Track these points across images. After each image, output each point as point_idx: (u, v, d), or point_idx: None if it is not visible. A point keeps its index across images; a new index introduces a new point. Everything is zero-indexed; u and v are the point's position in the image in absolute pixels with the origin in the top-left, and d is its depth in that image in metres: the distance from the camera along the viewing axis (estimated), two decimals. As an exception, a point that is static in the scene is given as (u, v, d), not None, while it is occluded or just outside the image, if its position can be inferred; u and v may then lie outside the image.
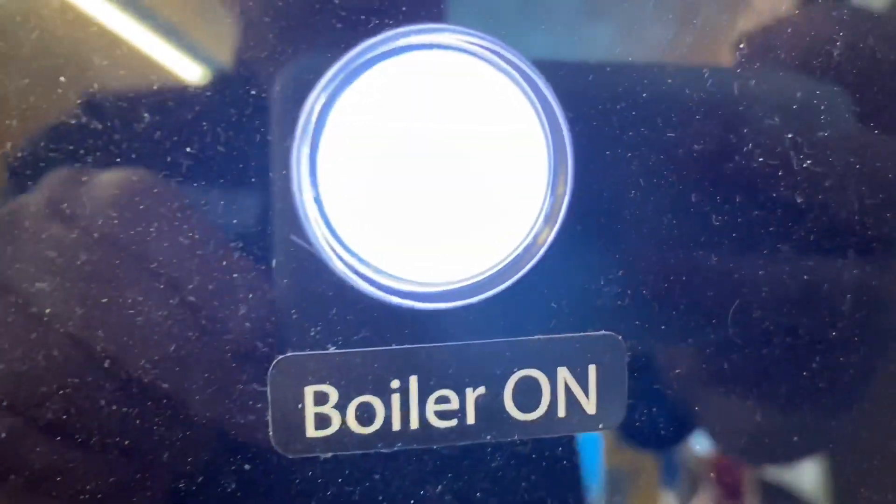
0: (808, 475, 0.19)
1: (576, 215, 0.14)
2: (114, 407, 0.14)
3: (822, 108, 0.15)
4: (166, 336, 0.14)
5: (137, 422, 0.14)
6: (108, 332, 0.14)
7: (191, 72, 0.14)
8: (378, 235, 0.13)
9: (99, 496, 0.14)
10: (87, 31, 0.13)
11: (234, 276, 0.14)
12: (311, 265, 0.14)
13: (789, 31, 0.15)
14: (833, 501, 0.18)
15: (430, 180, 0.13)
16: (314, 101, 0.13)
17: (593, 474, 0.17)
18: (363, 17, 0.14)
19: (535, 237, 0.13)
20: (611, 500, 0.17)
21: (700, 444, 0.18)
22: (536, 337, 0.15)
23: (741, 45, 0.15)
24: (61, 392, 0.14)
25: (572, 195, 0.13)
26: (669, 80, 0.15)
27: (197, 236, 0.14)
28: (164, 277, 0.14)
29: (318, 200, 0.13)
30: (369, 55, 0.13)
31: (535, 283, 0.15)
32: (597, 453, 0.17)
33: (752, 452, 0.18)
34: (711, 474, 0.18)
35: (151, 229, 0.14)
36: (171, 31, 0.14)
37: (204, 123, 0.14)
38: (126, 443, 0.15)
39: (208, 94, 0.14)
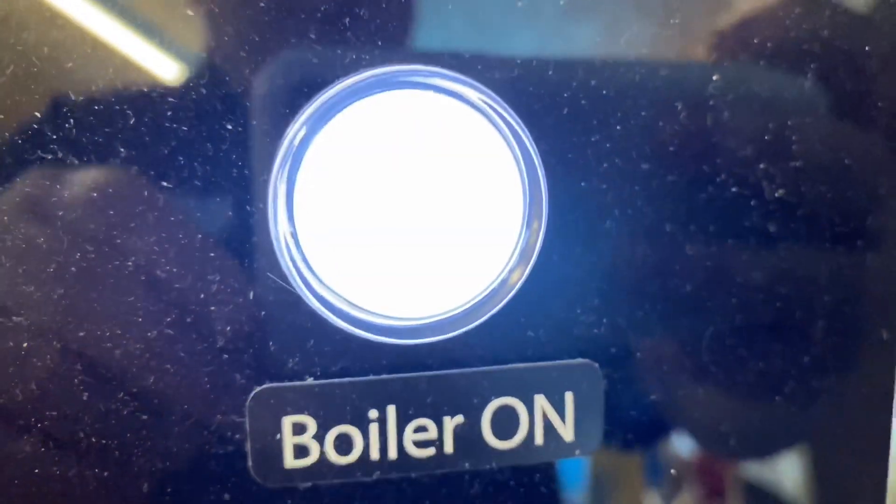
0: (788, 476, 0.19)
1: (551, 247, 0.14)
2: (93, 439, 0.14)
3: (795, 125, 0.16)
4: (145, 368, 0.14)
5: (117, 453, 0.15)
6: (85, 364, 0.14)
7: (160, 96, 0.14)
8: (354, 270, 0.13)
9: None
10: (63, 32, 0.13)
11: (212, 308, 0.14)
12: (289, 297, 0.14)
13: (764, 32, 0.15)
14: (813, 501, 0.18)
15: (408, 216, 0.13)
16: (292, 137, 0.13)
17: (577, 477, 0.17)
18: (339, 52, 0.14)
19: (511, 271, 0.13)
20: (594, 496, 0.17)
21: (683, 446, 0.18)
22: (513, 366, 0.15)
23: (714, 77, 0.15)
24: (39, 422, 0.14)
25: (547, 229, 0.14)
26: (643, 113, 0.15)
27: (174, 270, 0.14)
28: (140, 309, 0.14)
29: (294, 235, 0.13)
30: (346, 93, 0.13)
31: (512, 313, 0.15)
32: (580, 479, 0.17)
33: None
34: (694, 476, 0.18)
35: (128, 262, 0.14)
36: (149, 31, 0.14)
37: (180, 158, 0.14)
38: (105, 473, 0.15)
39: (185, 128, 0.14)
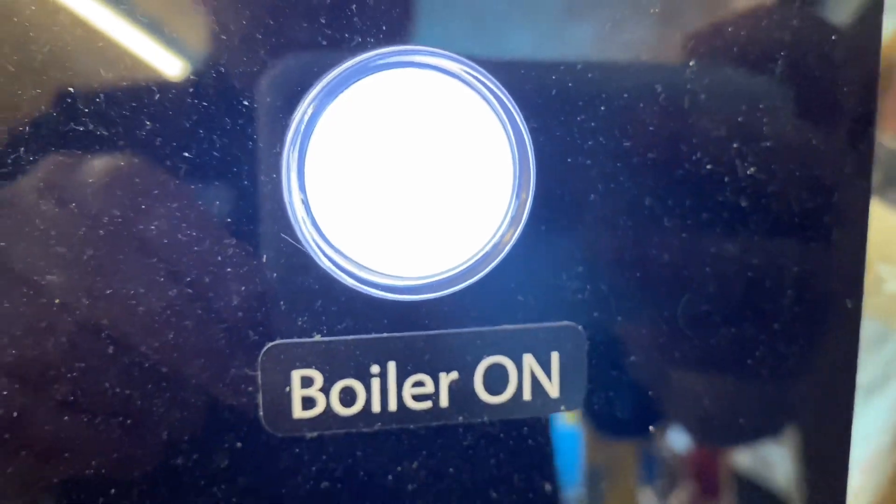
0: (780, 468, 0.20)
1: (538, 217, 0.16)
2: (117, 389, 0.16)
3: (764, 110, 0.17)
4: (166, 324, 0.16)
5: (139, 402, 0.16)
6: (111, 321, 0.16)
7: (183, 77, 0.15)
8: (360, 233, 0.14)
9: (102, 470, 0.16)
10: (72, 27, 0.15)
11: (228, 270, 0.16)
12: (299, 260, 0.16)
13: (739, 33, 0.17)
14: (804, 493, 0.20)
15: (409, 185, 0.14)
16: (303, 112, 0.14)
17: (572, 471, 0.18)
18: (346, 35, 0.15)
19: (502, 236, 0.15)
20: (590, 497, 0.19)
21: (678, 441, 0.19)
22: (504, 327, 0.17)
23: (690, 63, 0.17)
24: (68, 374, 0.15)
25: (534, 199, 0.15)
26: (625, 95, 0.16)
27: (195, 234, 0.15)
28: (161, 270, 0.15)
29: (305, 202, 0.14)
30: (350, 72, 0.14)
31: (502, 277, 0.16)
32: (576, 451, 0.18)
33: (706, 431, 0.19)
34: (689, 470, 0.19)
35: (151, 227, 0.15)
36: (155, 28, 0.15)
37: (200, 131, 0.15)
38: (128, 421, 0.16)
39: (206, 104, 0.15)
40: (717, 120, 0.17)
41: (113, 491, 0.16)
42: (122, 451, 0.16)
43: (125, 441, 0.16)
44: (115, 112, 0.15)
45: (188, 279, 0.16)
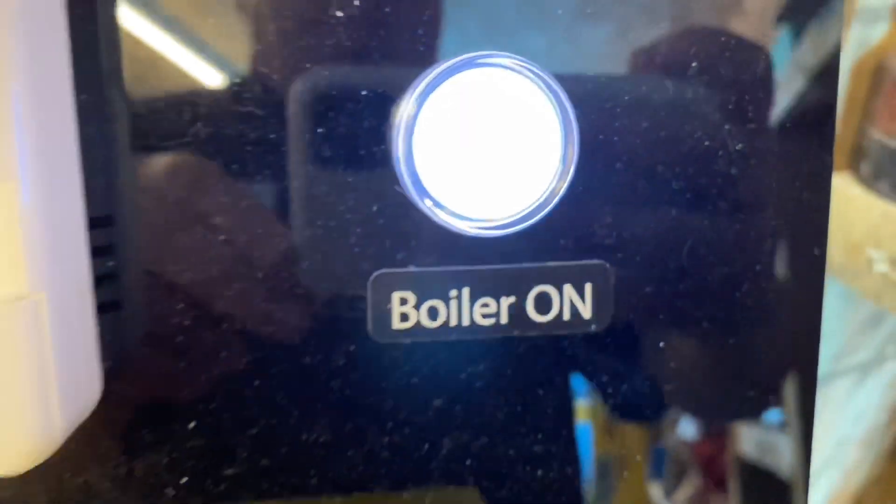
0: (786, 456, 0.26)
1: (580, 177, 0.21)
2: (263, 304, 0.21)
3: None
4: (300, 257, 0.21)
5: (280, 315, 0.21)
6: (262, 254, 0.21)
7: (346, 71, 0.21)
8: (448, 187, 0.19)
9: (241, 368, 0.21)
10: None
11: (348, 217, 0.21)
12: (401, 209, 0.21)
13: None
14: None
15: (485, 150, 0.19)
16: (407, 102, 0.20)
17: (586, 464, 0.24)
18: (441, 43, 0.21)
19: (553, 190, 0.20)
20: (600, 486, 0.24)
21: (688, 432, 0.25)
22: (550, 263, 0.22)
23: (693, 63, 0.22)
24: (227, 293, 0.21)
25: (577, 164, 0.20)
26: (643, 86, 0.22)
27: (326, 189, 0.21)
28: (298, 217, 0.21)
29: (410, 163, 0.19)
30: (441, 73, 0.19)
31: (551, 223, 0.21)
32: (588, 443, 0.24)
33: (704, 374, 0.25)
34: (697, 461, 0.25)
35: (294, 184, 0.21)
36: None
37: (344, 115, 0.20)
38: (272, 329, 0.21)
39: (341, 96, 0.20)
40: (712, 107, 0.22)
41: (257, 383, 0.22)
42: (254, 354, 0.21)
43: (258, 346, 0.22)
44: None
45: (319, 223, 0.21)
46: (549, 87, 0.20)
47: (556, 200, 0.20)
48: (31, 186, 0.16)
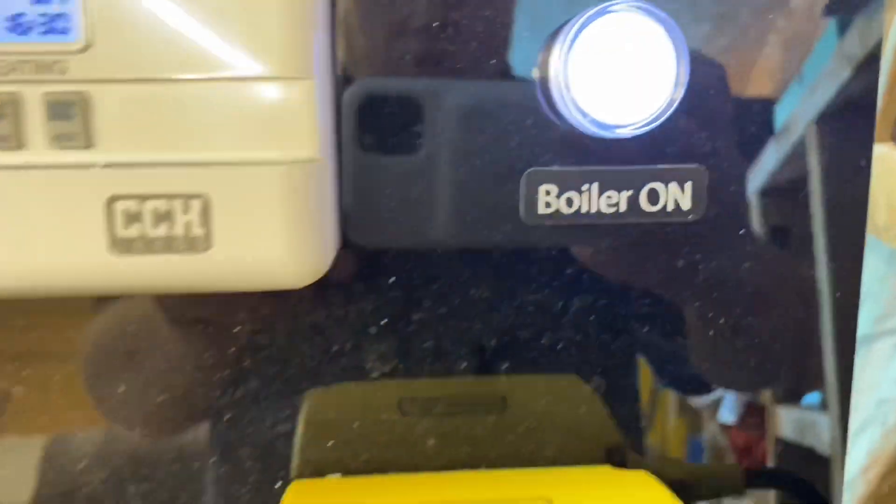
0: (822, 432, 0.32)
1: (685, 98, 0.28)
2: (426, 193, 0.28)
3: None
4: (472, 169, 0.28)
5: (444, 200, 0.29)
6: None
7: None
8: (590, 100, 0.26)
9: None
10: None
11: (510, 127, 0.28)
12: (549, 121, 0.28)
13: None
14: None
15: (618, 68, 0.26)
16: (563, 38, 0.27)
17: None
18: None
19: (670, 100, 0.27)
20: None
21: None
22: (660, 166, 0.29)
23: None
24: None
25: (687, 84, 0.27)
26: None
27: (492, 107, 0.28)
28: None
29: (565, 84, 0.26)
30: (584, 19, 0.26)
31: (664, 132, 0.28)
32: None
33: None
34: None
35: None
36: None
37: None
38: (450, 216, 0.29)
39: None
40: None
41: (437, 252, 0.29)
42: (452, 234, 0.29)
43: (453, 231, 0.29)
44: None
45: (487, 132, 0.28)
46: (668, 25, 0.26)
47: (673, 107, 0.26)
48: (319, 83, 0.23)
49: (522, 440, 0.30)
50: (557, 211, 0.29)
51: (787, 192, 0.31)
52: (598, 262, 0.30)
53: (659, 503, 0.26)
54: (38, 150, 0.22)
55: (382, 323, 0.29)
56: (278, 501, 0.26)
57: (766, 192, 0.31)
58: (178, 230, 0.22)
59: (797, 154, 0.31)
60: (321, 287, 0.28)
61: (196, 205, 0.22)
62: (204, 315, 0.29)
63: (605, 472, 0.29)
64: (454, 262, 0.29)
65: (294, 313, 0.29)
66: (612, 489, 0.27)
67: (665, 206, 0.29)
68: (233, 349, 0.29)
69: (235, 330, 0.29)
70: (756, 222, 0.31)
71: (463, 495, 0.27)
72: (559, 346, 0.30)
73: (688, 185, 0.29)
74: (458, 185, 0.28)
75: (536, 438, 0.30)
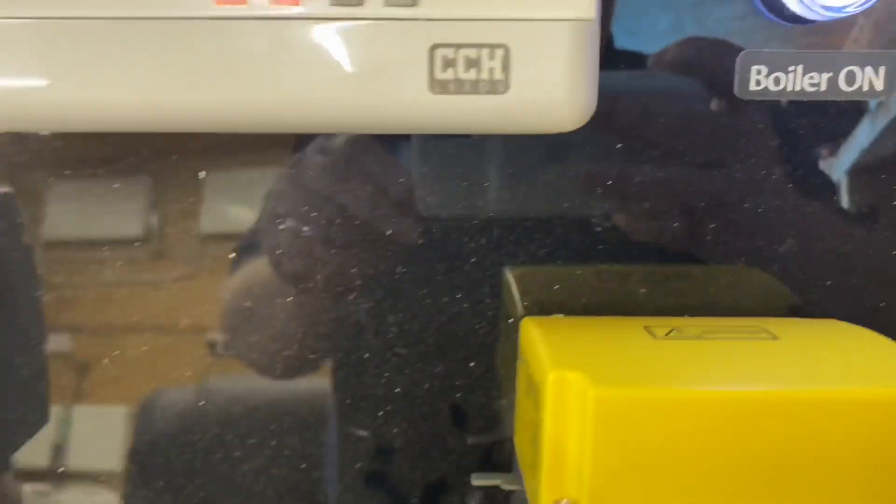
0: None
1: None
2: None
3: None
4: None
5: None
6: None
7: None
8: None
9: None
10: None
11: (736, 24, 0.32)
12: (759, 13, 0.32)
13: None
14: None
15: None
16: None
17: None
18: None
19: None
20: None
21: None
22: (858, 51, 0.33)
23: None
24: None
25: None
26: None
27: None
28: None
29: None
30: None
31: (864, 18, 0.32)
32: None
33: None
34: None
35: None
36: None
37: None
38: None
39: None
40: None
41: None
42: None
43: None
44: None
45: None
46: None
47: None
48: None
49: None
50: (765, 88, 0.33)
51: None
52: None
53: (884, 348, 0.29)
54: (375, 6, 0.27)
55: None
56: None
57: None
58: (484, 74, 0.27)
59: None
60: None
61: (499, 53, 0.27)
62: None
63: (830, 323, 0.33)
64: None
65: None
66: (837, 339, 0.31)
67: (861, 87, 0.33)
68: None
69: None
70: None
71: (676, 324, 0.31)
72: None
73: (882, 69, 0.33)
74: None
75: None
